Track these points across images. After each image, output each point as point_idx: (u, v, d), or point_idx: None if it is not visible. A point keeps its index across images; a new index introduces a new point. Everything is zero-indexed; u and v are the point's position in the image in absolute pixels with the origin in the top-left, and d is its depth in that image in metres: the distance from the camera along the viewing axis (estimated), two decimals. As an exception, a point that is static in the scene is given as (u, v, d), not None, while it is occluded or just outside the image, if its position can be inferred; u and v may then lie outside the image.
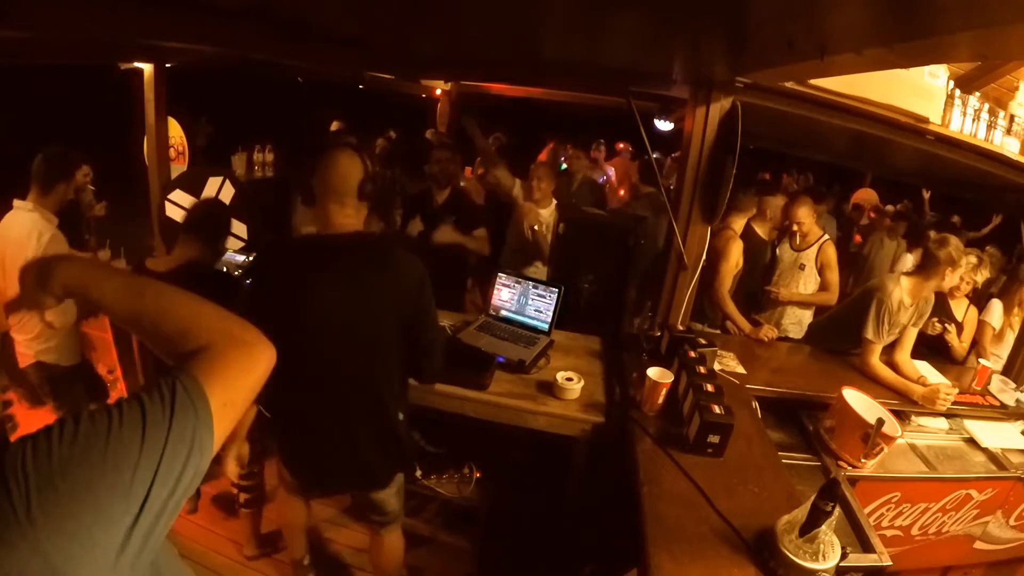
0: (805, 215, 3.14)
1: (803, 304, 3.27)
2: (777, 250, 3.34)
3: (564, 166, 4.90)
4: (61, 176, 2.23)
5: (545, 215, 3.34)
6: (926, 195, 5.73)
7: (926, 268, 2.49)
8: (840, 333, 2.81)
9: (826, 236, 3.21)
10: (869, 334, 2.52)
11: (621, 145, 6.61)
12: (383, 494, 1.73)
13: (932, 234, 2.52)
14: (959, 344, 3.11)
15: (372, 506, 1.78)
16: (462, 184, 3.45)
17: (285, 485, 1.89)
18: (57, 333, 2.27)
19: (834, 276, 3.17)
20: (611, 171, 6.41)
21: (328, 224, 1.47)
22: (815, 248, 3.17)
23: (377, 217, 3.35)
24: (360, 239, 1.49)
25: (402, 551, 1.94)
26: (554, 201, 3.41)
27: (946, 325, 3.07)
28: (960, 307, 3.12)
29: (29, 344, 2.28)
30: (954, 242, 2.43)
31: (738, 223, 3.10)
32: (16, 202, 2.21)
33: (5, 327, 2.43)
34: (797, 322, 3.28)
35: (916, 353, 2.74)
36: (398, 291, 1.47)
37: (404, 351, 1.54)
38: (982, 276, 3.25)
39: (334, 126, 4.35)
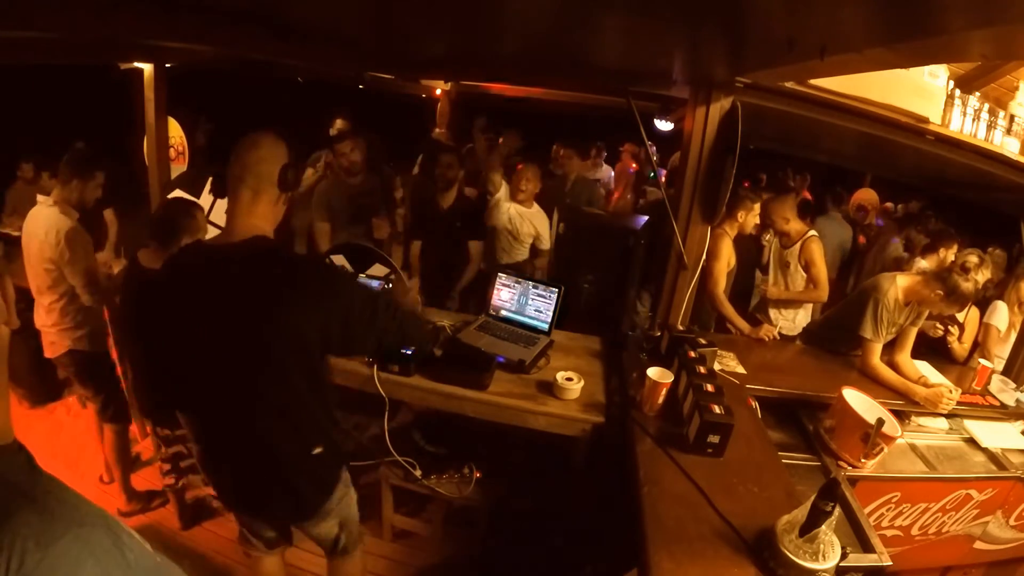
0: (777, 213, 3.17)
1: (795, 303, 3.28)
2: (767, 249, 3.37)
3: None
4: (76, 173, 2.26)
5: (528, 214, 3.35)
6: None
7: (932, 276, 2.44)
8: (839, 334, 2.81)
9: (811, 233, 3.19)
10: (867, 333, 2.52)
11: (623, 147, 6.59)
12: (317, 529, 1.58)
13: (972, 262, 2.40)
14: (960, 346, 3.11)
15: (316, 538, 1.64)
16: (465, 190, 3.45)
17: (247, 549, 1.74)
18: (90, 321, 2.31)
19: (820, 273, 3.14)
20: (610, 172, 6.41)
21: (228, 225, 1.30)
22: (798, 246, 3.19)
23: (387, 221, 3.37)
24: (257, 246, 1.26)
25: (360, 571, 1.80)
26: (535, 205, 3.40)
27: (948, 327, 3.06)
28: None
29: (59, 336, 2.31)
30: (971, 282, 2.33)
31: (732, 225, 3.11)
32: (39, 198, 2.27)
33: (15, 324, 2.44)
34: (791, 319, 3.30)
35: (916, 353, 2.74)
36: (304, 308, 1.23)
37: (320, 376, 1.36)
38: (983, 276, 3.23)
39: (338, 124, 4.27)
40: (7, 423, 0.62)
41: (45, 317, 2.32)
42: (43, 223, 2.19)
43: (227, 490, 1.55)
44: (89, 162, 2.31)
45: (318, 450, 1.40)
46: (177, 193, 3.27)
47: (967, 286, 2.32)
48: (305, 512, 1.53)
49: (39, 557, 0.54)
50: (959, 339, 3.09)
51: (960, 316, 3.10)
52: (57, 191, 2.25)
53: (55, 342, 2.34)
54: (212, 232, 3.49)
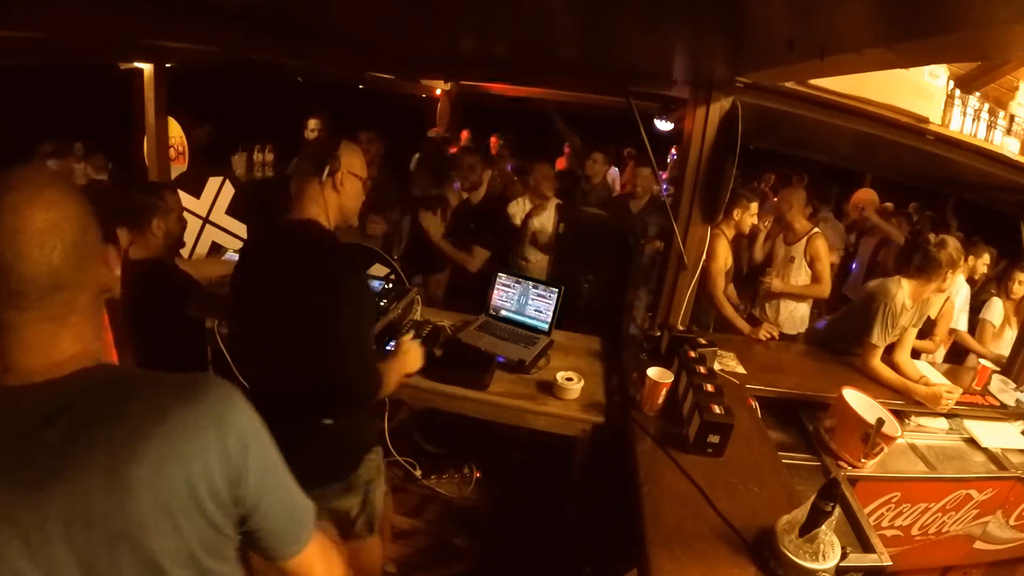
0: (785, 200, 3.28)
1: (796, 297, 3.31)
2: (774, 243, 3.43)
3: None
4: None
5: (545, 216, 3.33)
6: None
7: (927, 271, 2.47)
8: (842, 334, 2.81)
9: (816, 230, 3.27)
10: (875, 338, 2.50)
11: (626, 151, 6.57)
12: (337, 502, 1.61)
13: (931, 236, 2.51)
14: (930, 342, 3.10)
15: (332, 515, 1.66)
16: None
17: None
18: None
19: (824, 268, 3.21)
20: (615, 173, 6.41)
21: (291, 208, 1.46)
22: (804, 241, 3.24)
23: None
24: (302, 228, 1.42)
25: (374, 560, 1.84)
26: (555, 202, 3.39)
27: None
28: (938, 302, 3.09)
29: None
30: (953, 243, 2.42)
31: (729, 225, 3.13)
32: None
33: (116, 294, 2.46)
34: (789, 316, 3.32)
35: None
36: (316, 289, 1.37)
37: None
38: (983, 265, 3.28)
39: (311, 125, 4.24)
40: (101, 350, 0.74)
41: None
42: None
43: None
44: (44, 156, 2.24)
45: (328, 421, 1.48)
46: (178, 193, 3.27)
47: (944, 252, 2.40)
48: (336, 478, 1.58)
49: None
50: (932, 332, 3.08)
51: (933, 312, 3.08)
52: None
53: None
54: (216, 232, 3.52)
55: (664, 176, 5.02)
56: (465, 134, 5.85)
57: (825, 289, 3.26)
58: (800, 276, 3.28)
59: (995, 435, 2.44)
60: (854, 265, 4.34)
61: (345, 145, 1.47)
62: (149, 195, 2.01)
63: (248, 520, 0.74)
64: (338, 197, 1.46)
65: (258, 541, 0.77)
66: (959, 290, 3.23)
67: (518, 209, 3.35)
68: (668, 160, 5.64)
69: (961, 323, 3.28)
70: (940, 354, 3.34)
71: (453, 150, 4.97)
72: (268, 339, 1.45)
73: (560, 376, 2.07)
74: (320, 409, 1.47)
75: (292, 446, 1.48)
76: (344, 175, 1.45)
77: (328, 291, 1.36)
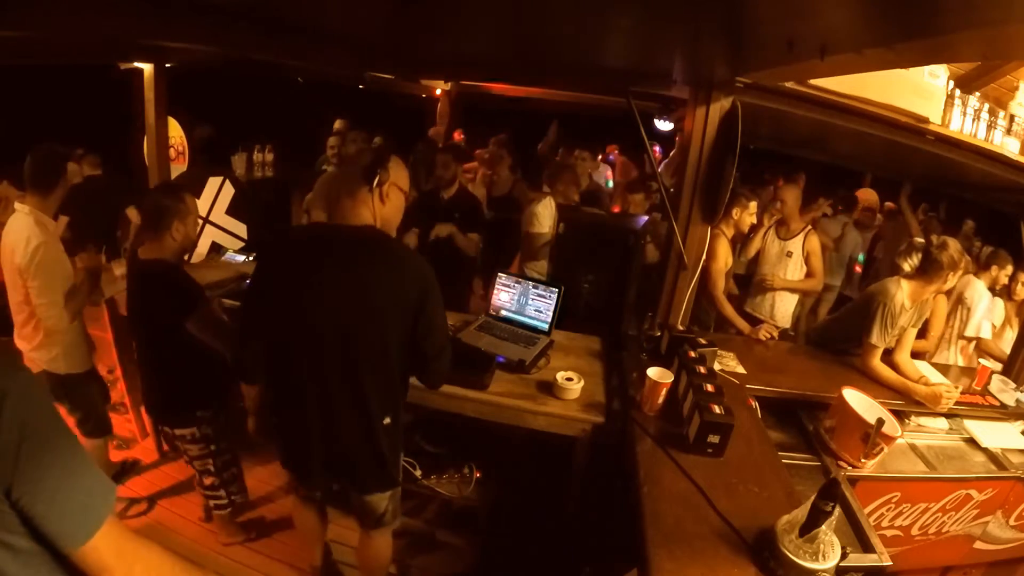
0: (789, 194, 3.38)
1: (791, 290, 3.40)
2: (765, 240, 3.50)
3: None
4: (53, 174, 2.10)
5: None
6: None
7: (928, 272, 2.47)
8: (842, 335, 2.81)
9: (810, 227, 3.38)
10: (874, 338, 2.51)
11: (610, 148, 6.59)
12: (371, 498, 1.67)
13: (933, 238, 2.52)
14: (926, 341, 3.10)
15: (362, 508, 1.72)
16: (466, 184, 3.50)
17: (297, 494, 1.86)
18: (61, 342, 2.21)
19: (818, 263, 3.33)
20: (608, 172, 6.40)
21: (337, 215, 1.47)
22: (801, 237, 3.34)
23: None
24: (366, 233, 1.46)
25: (389, 553, 1.88)
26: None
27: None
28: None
29: (33, 354, 2.21)
30: (954, 245, 2.42)
31: (728, 224, 3.14)
32: (16, 205, 2.13)
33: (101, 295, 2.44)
34: (784, 312, 3.39)
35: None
36: (400, 291, 1.41)
37: (401, 353, 1.48)
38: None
39: (337, 125, 4.33)
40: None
41: (19, 331, 2.21)
42: (17, 232, 2.06)
43: (308, 456, 1.60)
44: (57, 157, 2.13)
45: (387, 420, 1.53)
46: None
47: (946, 253, 2.41)
48: (386, 481, 1.65)
49: None
50: (926, 332, 3.08)
51: (926, 310, 3.08)
52: (31, 198, 2.09)
53: (34, 360, 2.22)
54: (215, 232, 3.52)
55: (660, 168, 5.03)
56: (457, 134, 5.85)
57: (819, 284, 3.41)
58: (796, 271, 3.35)
59: (995, 435, 2.44)
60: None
61: (394, 158, 1.49)
62: (169, 197, 1.97)
63: (11, 496, 0.72)
64: (382, 208, 1.48)
65: (31, 523, 0.74)
66: (980, 299, 3.21)
67: (544, 211, 3.37)
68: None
69: (984, 331, 3.23)
70: (960, 360, 3.31)
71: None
72: (334, 344, 1.43)
73: (560, 376, 2.07)
74: (383, 409, 1.52)
75: (355, 450, 1.54)
76: (390, 187, 1.48)
77: (422, 293, 1.43)
